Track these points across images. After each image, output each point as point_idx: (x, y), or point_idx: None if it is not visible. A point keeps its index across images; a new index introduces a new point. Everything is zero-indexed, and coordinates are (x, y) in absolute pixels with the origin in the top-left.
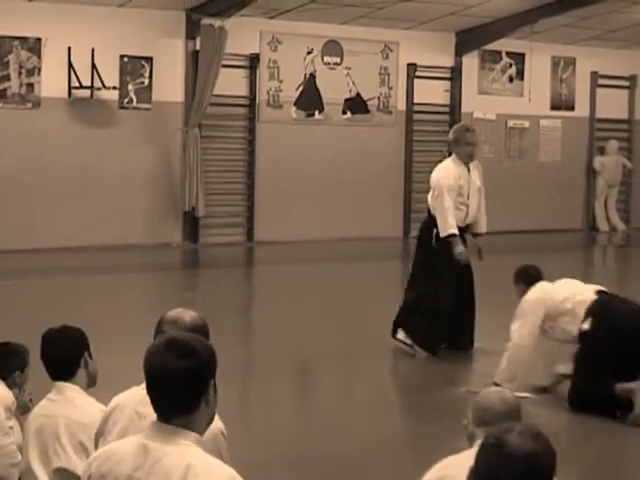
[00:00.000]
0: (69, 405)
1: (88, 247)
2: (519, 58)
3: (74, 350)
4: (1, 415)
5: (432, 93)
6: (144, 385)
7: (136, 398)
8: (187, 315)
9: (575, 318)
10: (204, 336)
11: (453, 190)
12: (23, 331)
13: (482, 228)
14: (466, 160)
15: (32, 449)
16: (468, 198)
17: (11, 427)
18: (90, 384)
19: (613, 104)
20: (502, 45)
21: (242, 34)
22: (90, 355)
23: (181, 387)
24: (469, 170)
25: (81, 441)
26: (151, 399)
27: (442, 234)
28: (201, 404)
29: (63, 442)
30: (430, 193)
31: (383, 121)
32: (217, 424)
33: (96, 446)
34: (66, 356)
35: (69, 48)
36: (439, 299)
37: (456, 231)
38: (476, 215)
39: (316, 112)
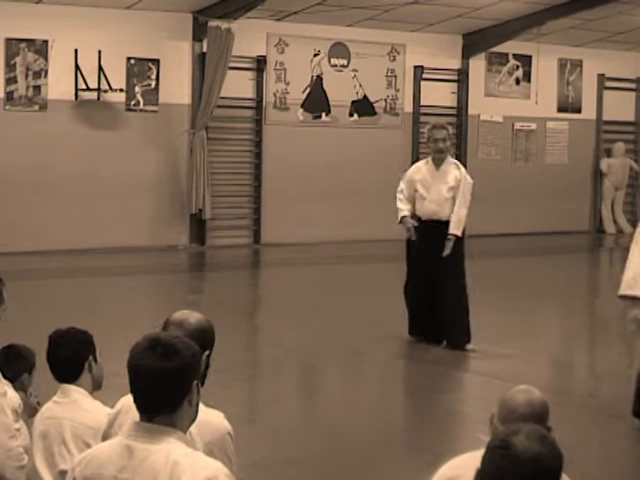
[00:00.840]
0: (75, 408)
1: (94, 249)
2: (526, 60)
3: (78, 353)
4: (9, 418)
5: (439, 95)
6: None
7: None
8: (193, 317)
9: None
10: (210, 338)
11: (406, 181)
12: (29, 333)
13: (450, 229)
14: (433, 156)
15: (38, 451)
16: (428, 192)
17: (18, 429)
18: (95, 387)
19: (620, 106)
20: (509, 47)
21: (249, 36)
22: (95, 359)
23: (164, 387)
24: (438, 167)
25: (87, 443)
26: (134, 398)
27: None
28: (184, 404)
29: (68, 445)
30: None
31: (390, 123)
32: (224, 425)
33: None
34: (70, 358)
35: (76, 50)
36: (407, 289)
37: (403, 214)
38: (440, 212)
39: (323, 114)
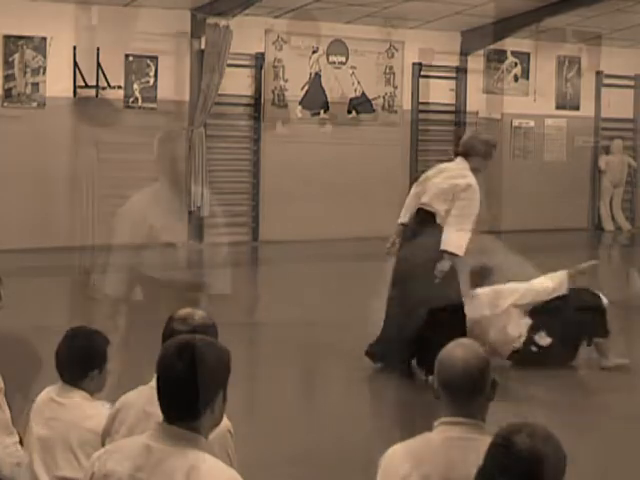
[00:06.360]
0: (79, 412)
1: (93, 246)
2: (524, 57)
3: (84, 363)
4: (6, 414)
5: (437, 92)
6: (151, 384)
7: (144, 397)
8: (196, 314)
9: None
10: (213, 335)
11: None
12: (32, 331)
13: None
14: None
15: (35, 452)
16: None
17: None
18: (96, 392)
19: (618, 103)
20: (507, 44)
21: (247, 33)
22: (101, 370)
23: (187, 394)
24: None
25: (96, 449)
26: (159, 400)
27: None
28: (206, 412)
29: (76, 452)
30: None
31: (388, 120)
32: (225, 422)
33: (103, 446)
34: (74, 365)
35: (74, 47)
36: None
37: None
38: None
39: (321, 111)
